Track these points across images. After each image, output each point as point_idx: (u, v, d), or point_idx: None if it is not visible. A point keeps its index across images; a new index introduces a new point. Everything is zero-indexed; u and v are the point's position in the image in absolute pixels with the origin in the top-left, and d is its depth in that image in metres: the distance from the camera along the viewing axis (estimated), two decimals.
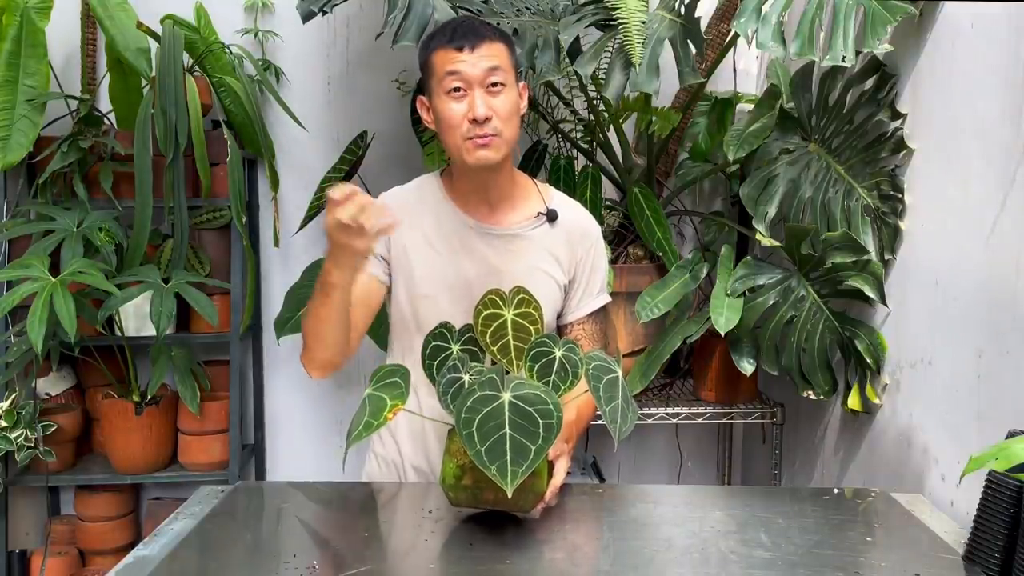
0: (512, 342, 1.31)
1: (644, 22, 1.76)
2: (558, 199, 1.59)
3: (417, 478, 1.59)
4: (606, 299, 1.62)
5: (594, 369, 1.26)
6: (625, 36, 1.75)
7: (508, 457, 1.12)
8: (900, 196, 1.74)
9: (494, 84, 1.41)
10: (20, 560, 2.58)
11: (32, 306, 2.04)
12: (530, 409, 1.15)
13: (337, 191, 1.23)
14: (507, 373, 1.29)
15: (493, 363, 1.33)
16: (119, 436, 2.39)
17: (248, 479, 2.64)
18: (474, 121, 1.40)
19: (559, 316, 1.59)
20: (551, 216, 1.54)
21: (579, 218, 1.59)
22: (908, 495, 1.54)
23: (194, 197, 2.42)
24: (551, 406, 1.16)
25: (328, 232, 1.27)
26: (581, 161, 2.33)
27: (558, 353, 1.27)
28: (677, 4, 1.88)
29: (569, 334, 1.59)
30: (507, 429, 1.14)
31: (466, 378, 1.25)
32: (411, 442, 1.58)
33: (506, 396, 1.17)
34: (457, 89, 1.41)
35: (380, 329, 1.97)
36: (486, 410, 1.15)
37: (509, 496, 1.13)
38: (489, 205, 1.53)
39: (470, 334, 1.36)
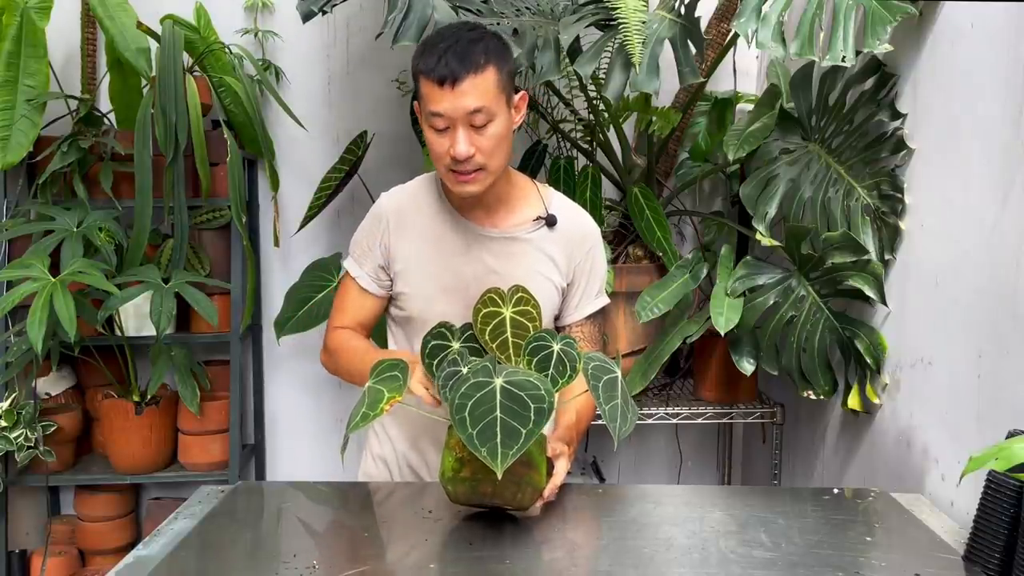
0: (511, 339, 1.31)
1: (644, 22, 1.76)
2: (558, 202, 1.58)
3: (411, 475, 1.59)
4: (604, 301, 1.62)
5: (593, 369, 1.27)
6: (625, 36, 1.75)
7: (499, 439, 1.14)
8: (900, 196, 1.74)
9: (478, 120, 1.37)
10: (20, 560, 2.58)
11: (32, 306, 2.04)
12: (521, 394, 1.17)
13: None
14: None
15: None
16: (119, 436, 2.39)
17: (248, 479, 2.64)
18: (455, 158, 1.38)
19: (557, 318, 1.59)
20: (550, 221, 1.53)
21: (579, 222, 1.58)
22: (908, 495, 1.54)
23: (194, 197, 2.42)
24: (543, 391, 1.18)
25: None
26: (581, 161, 2.33)
27: (556, 347, 1.28)
28: (677, 4, 1.88)
29: None
30: (498, 412, 1.16)
31: (464, 370, 1.26)
32: (405, 439, 1.59)
33: (498, 381, 1.19)
34: (441, 124, 1.38)
35: (381, 329, 1.97)
36: (478, 395, 1.17)
37: (499, 477, 1.14)
38: (487, 209, 1.52)
39: (470, 332, 1.36)
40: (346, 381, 1.57)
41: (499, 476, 1.14)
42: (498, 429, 1.15)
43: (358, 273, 1.57)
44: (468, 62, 1.35)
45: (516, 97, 1.45)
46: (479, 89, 1.35)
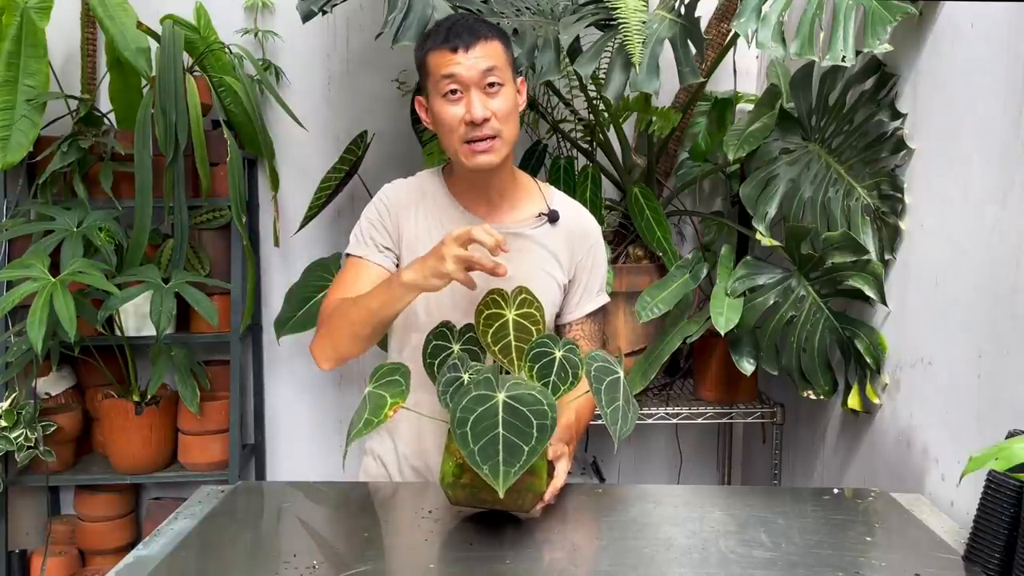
0: (513, 342, 1.31)
1: (644, 22, 1.76)
2: (559, 199, 1.59)
3: (413, 477, 1.59)
4: (605, 299, 1.62)
5: (596, 370, 1.26)
6: (625, 36, 1.75)
7: (501, 457, 1.12)
8: (900, 196, 1.74)
9: (491, 84, 1.40)
10: (20, 560, 2.58)
11: (32, 306, 2.04)
12: (524, 409, 1.15)
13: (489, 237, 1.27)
14: (507, 373, 1.29)
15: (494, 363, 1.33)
16: (119, 436, 2.39)
17: (248, 479, 2.64)
18: (472, 123, 1.39)
19: (557, 316, 1.59)
20: (552, 217, 1.54)
21: (580, 219, 1.59)
22: (908, 495, 1.54)
23: (194, 197, 2.42)
24: (546, 407, 1.16)
25: (447, 257, 1.28)
26: (581, 161, 2.33)
27: (558, 354, 1.27)
28: (677, 4, 1.88)
29: (567, 334, 1.59)
30: (500, 429, 1.14)
31: (465, 377, 1.25)
32: (408, 441, 1.58)
33: (500, 396, 1.16)
34: (454, 91, 1.40)
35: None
36: (480, 410, 1.15)
37: (502, 496, 1.13)
38: (489, 203, 1.52)
39: (471, 334, 1.36)
40: (347, 339, 1.43)
41: (501, 495, 1.12)
42: (500, 447, 1.13)
43: (365, 251, 1.52)
44: (477, 31, 1.41)
45: (518, 81, 1.48)
46: (490, 52, 1.40)
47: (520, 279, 1.38)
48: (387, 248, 1.52)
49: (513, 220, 1.53)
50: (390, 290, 1.36)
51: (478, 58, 1.39)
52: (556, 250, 1.54)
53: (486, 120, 1.39)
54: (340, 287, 1.50)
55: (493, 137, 1.41)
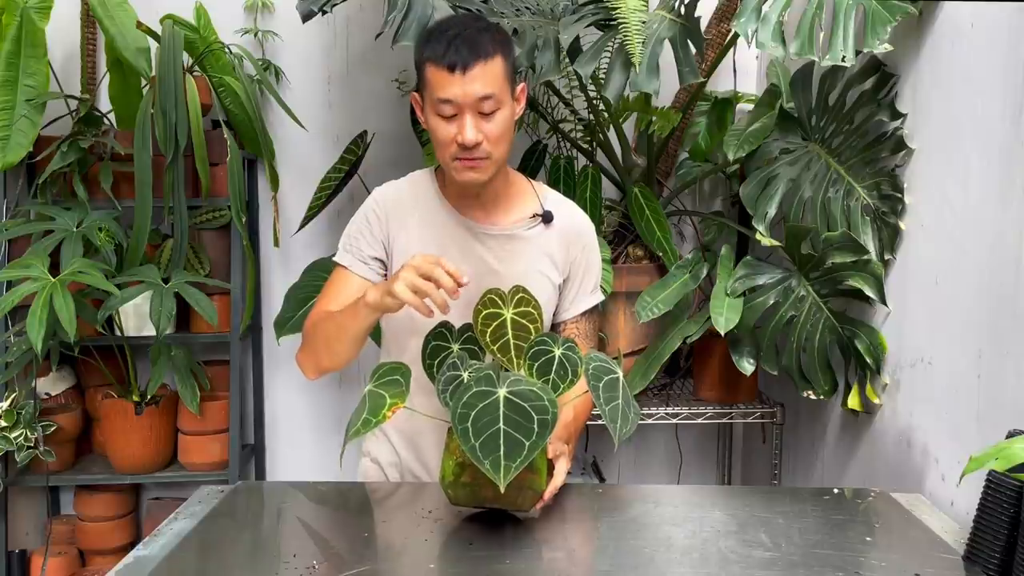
0: (512, 341, 1.30)
1: (644, 22, 1.76)
2: (553, 198, 1.58)
3: (410, 477, 1.59)
4: (599, 298, 1.62)
5: (594, 370, 1.26)
6: (625, 36, 1.75)
7: (502, 452, 1.13)
8: (900, 196, 1.74)
9: (486, 107, 1.38)
10: (20, 560, 2.58)
11: (32, 306, 2.04)
12: (525, 405, 1.16)
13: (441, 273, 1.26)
14: (506, 371, 1.29)
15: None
16: (119, 436, 2.39)
17: (248, 479, 2.64)
18: (463, 145, 1.38)
19: (553, 315, 1.59)
20: (546, 217, 1.53)
21: (574, 217, 1.58)
22: (908, 495, 1.54)
23: (194, 197, 2.42)
24: (546, 402, 1.17)
25: (401, 279, 1.27)
26: (581, 161, 2.33)
27: (557, 352, 1.27)
28: (677, 4, 1.88)
29: (562, 333, 1.59)
30: (501, 424, 1.15)
31: (465, 375, 1.25)
32: (406, 443, 1.58)
33: (501, 392, 1.17)
34: (449, 112, 1.38)
35: (379, 328, 1.97)
36: (481, 405, 1.16)
37: (503, 491, 1.13)
38: (483, 206, 1.52)
39: (469, 333, 1.36)
40: (325, 354, 1.46)
41: (502, 490, 1.12)
42: (501, 442, 1.13)
43: (350, 262, 1.52)
44: (478, 49, 1.35)
45: (518, 89, 1.46)
46: (488, 76, 1.36)
47: (515, 280, 1.38)
48: (374, 258, 1.52)
49: (507, 222, 1.53)
50: (356, 310, 1.38)
51: (475, 80, 1.35)
52: (550, 250, 1.54)
53: (477, 144, 1.38)
54: (325, 298, 1.52)
55: (482, 159, 1.40)
